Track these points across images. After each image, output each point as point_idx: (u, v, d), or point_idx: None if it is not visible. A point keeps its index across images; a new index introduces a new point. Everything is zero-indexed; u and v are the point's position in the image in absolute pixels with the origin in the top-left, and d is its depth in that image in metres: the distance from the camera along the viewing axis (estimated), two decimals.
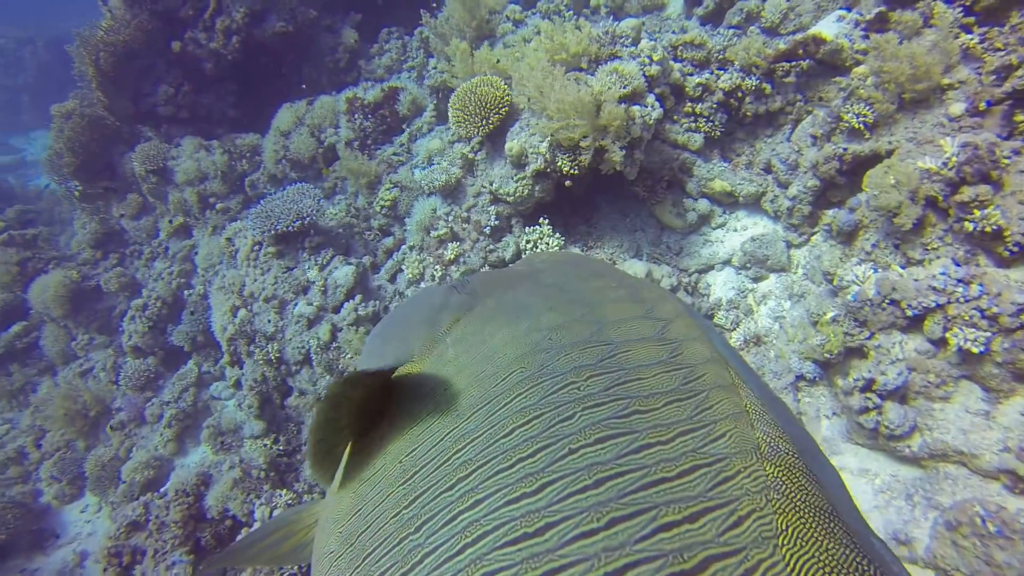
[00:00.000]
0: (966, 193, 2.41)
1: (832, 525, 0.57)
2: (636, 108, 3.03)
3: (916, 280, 2.38)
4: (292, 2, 5.69)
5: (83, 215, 6.24)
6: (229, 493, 3.70)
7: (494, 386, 0.74)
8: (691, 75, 3.40)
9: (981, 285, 2.28)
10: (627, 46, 3.33)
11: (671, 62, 3.40)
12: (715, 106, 3.34)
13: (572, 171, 3.05)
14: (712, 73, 3.35)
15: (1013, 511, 2.06)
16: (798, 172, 3.11)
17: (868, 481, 2.45)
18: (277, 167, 5.49)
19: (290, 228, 3.91)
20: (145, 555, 3.75)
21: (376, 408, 0.83)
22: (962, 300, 2.27)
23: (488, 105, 3.36)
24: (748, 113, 3.36)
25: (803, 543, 0.56)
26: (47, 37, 14.83)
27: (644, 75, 3.14)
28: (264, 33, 5.66)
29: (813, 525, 0.57)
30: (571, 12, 4.49)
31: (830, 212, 2.98)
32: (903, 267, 2.54)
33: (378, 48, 6.07)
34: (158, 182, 5.79)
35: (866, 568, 0.55)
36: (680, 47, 3.52)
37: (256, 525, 3.65)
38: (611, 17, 4.43)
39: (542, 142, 3.11)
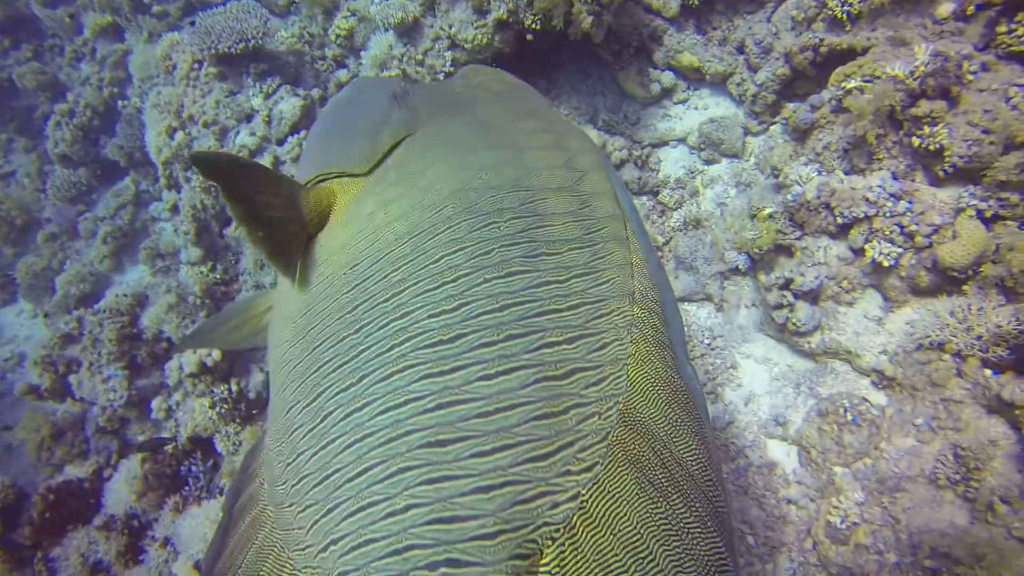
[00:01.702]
0: (922, 107, 2.39)
1: (666, 354, 0.77)
2: None
3: (853, 189, 2.43)
4: None
5: None
6: (164, 316, 3.74)
7: (429, 216, 0.83)
8: None
9: (910, 202, 2.34)
10: None
11: None
12: None
13: (534, 26, 2.85)
14: None
15: (872, 404, 2.31)
16: (770, 57, 3.00)
17: (767, 369, 2.67)
18: None
19: (232, 49, 3.59)
20: (81, 366, 3.84)
21: (324, 212, 0.94)
22: (888, 215, 2.34)
23: None
24: None
25: (643, 364, 0.74)
26: None
27: None
28: None
29: (654, 353, 0.76)
30: None
31: (791, 105, 2.92)
32: (847, 173, 2.57)
33: None
34: None
35: (678, 383, 0.76)
36: None
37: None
38: None
39: (505, 4, 2.86)
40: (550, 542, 0.66)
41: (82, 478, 3.46)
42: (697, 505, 0.69)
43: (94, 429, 3.77)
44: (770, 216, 2.59)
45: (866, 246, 2.40)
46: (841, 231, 2.51)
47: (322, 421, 0.76)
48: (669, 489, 0.68)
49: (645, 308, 0.78)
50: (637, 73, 3.28)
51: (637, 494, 0.67)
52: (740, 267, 2.76)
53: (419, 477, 0.68)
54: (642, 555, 0.64)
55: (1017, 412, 1.93)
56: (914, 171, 2.49)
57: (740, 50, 3.15)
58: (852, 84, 2.56)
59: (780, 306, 2.55)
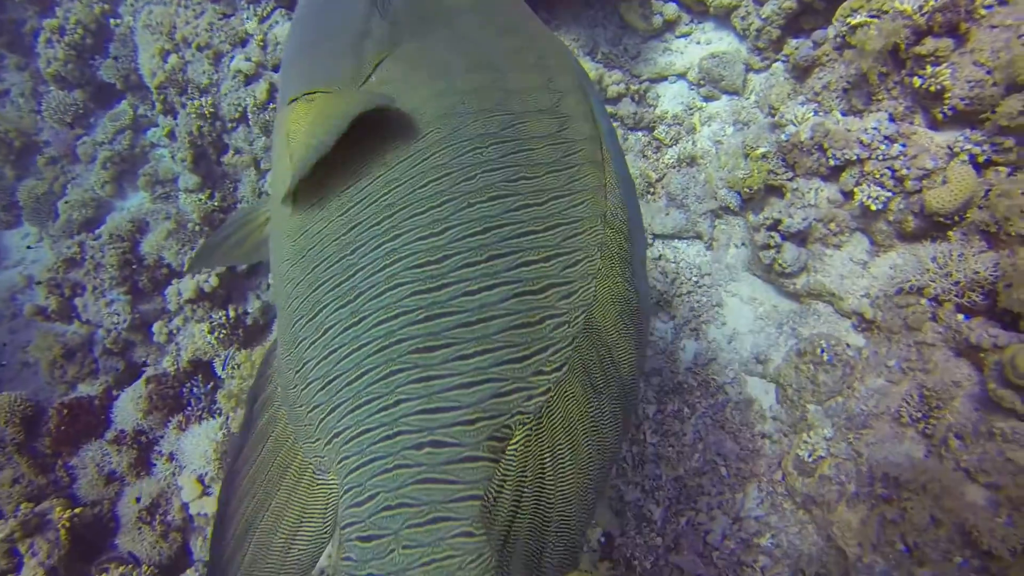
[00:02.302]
0: (927, 45, 2.32)
1: (627, 270, 0.85)
2: None
3: (848, 130, 2.39)
4: None
5: None
6: (163, 243, 3.80)
7: (416, 141, 0.88)
8: None
9: (903, 145, 2.31)
10: None
11: None
12: None
13: None
14: None
15: (850, 346, 2.37)
16: None
17: (752, 308, 2.71)
18: None
19: None
20: (85, 290, 3.94)
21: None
22: (881, 158, 2.31)
23: None
24: None
25: (607, 279, 0.83)
26: None
27: None
28: None
29: (618, 269, 0.84)
30: None
31: (794, 41, 2.83)
32: (844, 114, 2.53)
33: None
34: None
35: (632, 296, 0.86)
36: None
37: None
38: None
39: None
40: (521, 427, 0.79)
41: (92, 395, 3.62)
42: (615, 407, 0.83)
43: (101, 350, 3.90)
44: (763, 156, 2.57)
45: (855, 189, 2.39)
46: (833, 173, 2.50)
47: (323, 334, 0.86)
48: (601, 391, 0.82)
49: (614, 228, 0.85)
50: (639, 4, 3.17)
51: (581, 394, 0.81)
52: (731, 206, 2.76)
53: (409, 378, 0.79)
54: (575, 445, 0.80)
55: (982, 355, 1.99)
56: (913, 113, 2.45)
57: None
58: (858, 20, 2.48)
59: (767, 246, 2.57)
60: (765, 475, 2.41)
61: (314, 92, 1.01)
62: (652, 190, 2.96)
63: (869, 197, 2.33)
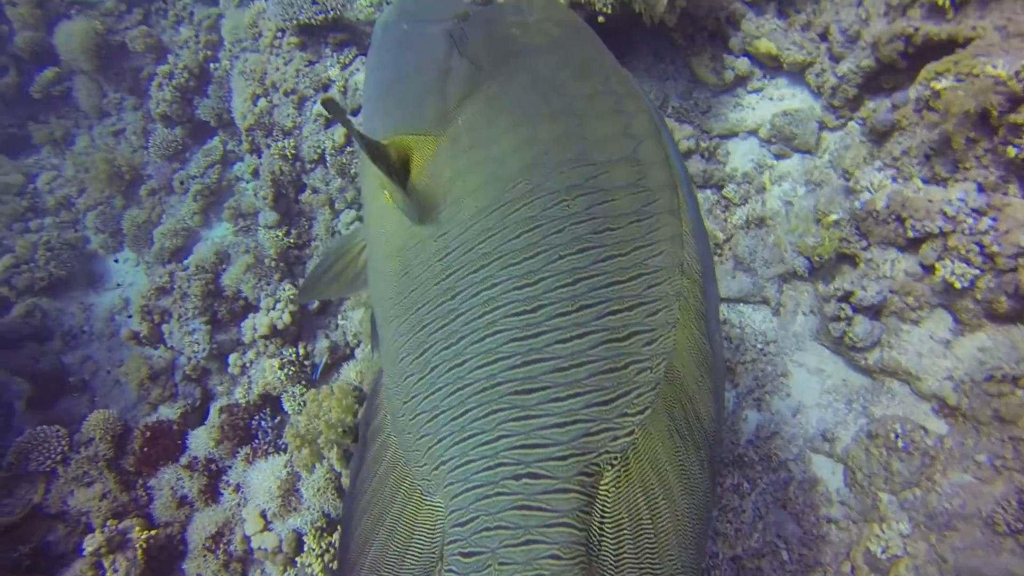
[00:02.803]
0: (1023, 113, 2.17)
1: (702, 323, 0.92)
2: None
3: (930, 200, 2.26)
4: None
5: None
6: (242, 276, 4.03)
7: (506, 191, 0.94)
8: None
9: (994, 219, 2.16)
10: None
11: None
12: None
13: (606, 9, 2.76)
14: None
15: (929, 432, 2.20)
16: (856, 46, 2.78)
17: (820, 381, 2.58)
18: None
19: (312, 20, 3.70)
20: (172, 317, 4.22)
21: (404, 167, 1.06)
22: (967, 232, 2.17)
23: None
24: None
25: (685, 330, 0.90)
26: None
27: None
28: None
29: (693, 322, 0.91)
30: None
31: (872, 103, 2.71)
32: (926, 182, 2.39)
33: None
34: None
35: (707, 350, 0.92)
36: None
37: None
38: None
39: None
40: (609, 467, 0.88)
41: (171, 420, 3.85)
42: (702, 455, 0.90)
43: (182, 376, 4.16)
44: (835, 223, 2.46)
45: (937, 264, 2.25)
46: (912, 244, 2.36)
47: (430, 372, 0.96)
48: (687, 438, 0.90)
49: (690, 279, 0.91)
50: (711, 59, 3.13)
51: (668, 439, 0.89)
52: (800, 271, 2.65)
53: (508, 416, 0.89)
54: (667, 486, 0.88)
55: None
56: (1006, 184, 2.28)
57: (823, 37, 2.93)
58: (943, 84, 2.35)
59: (838, 318, 2.45)
60: (831, 565, 2.27)
61: (404, 134, 1.08)
62: (719, 251, 2.89)
63: (953, 274, 2.19)
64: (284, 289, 3.76)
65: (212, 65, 5.33)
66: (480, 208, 0.95)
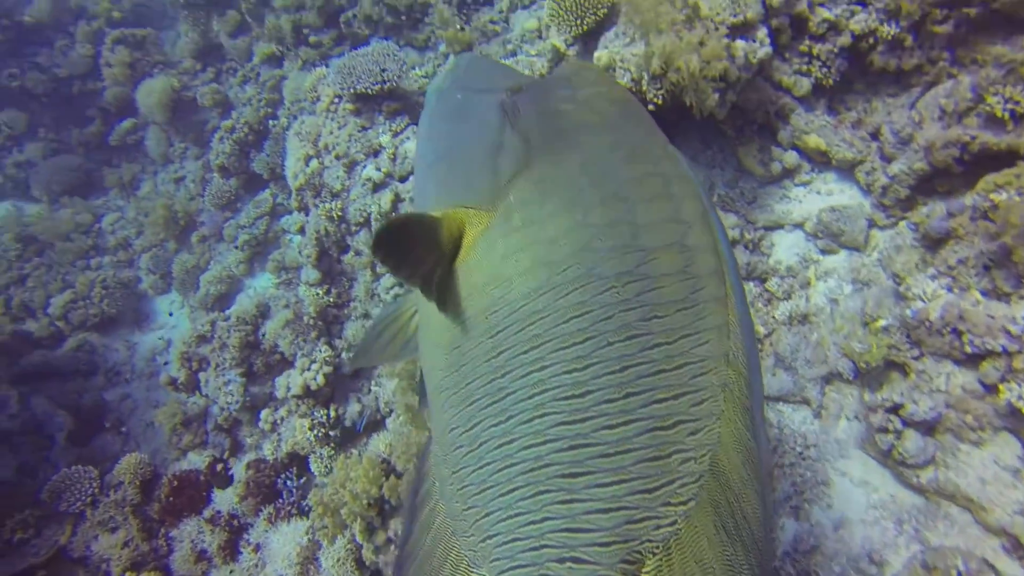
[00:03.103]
0: None
1: (746, 417, 0.91)
2: (742, 43, 2.68)
3: (992, 316, 2.18)
4: None
5: (185, 23, 6.31)
6: (280, 331, 4.10)
7: (556, 275, 0.96)
8: (821, 6, 2.92)
9: None
10: None
11: None
12: (837, 51, 2.90)
13: (656, 100, 2.81)
14: (847, 7, 2.86)
15: (998, 573, 2.04)
16: (908, 148, 2.75)
17: (865, 494, 2.45)
18: (374, 9, 5.27)
19: (369, 90, 3.87)
20: (209, 365, 4.31)
21: (457, 240, 1.07)
22: None
23: (586, 4, 3.04)
24: (875, 63, 2.91)
25: (730, 423, 0.89)
26: None
27: (763, 2, 2.73)
28: None
29: (738, 415, 0.90)
30: None
31: (925, 208, 2.66)
32: (984, 295, 2.31)
33: None
34: (257, 3, 5.72)
35: (752, 446, 0.90)
36: None
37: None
38: None
39: (633, 58, 2.84)
40: (651, 555, 0.88)
41: (199, 469, 3.88)
42: (752, 559, 0.88)
43: (213, 424, 4.21)
44: (884, 329, 2.39)
45: (1001, 385, 2.14)
46: (970, 360, 2.26)
47: (479, 447, 0.98)
48: (735, 537, 0.88)
49: (735, 370, 0.92)
50: (758, 150, 3.14)
51: (714, 534, 0.88)
52: (845, 374, 2.56)
53: (554, 499, 0.90)
54: None
55: None
56: None
57: (875, 136, 2.92)
58: (1003, 197, 2.29)
59: (885, 430, 2.34)
60: None
61: (456, 206, 1.09)
62: (760, 346, 2.83)
63: (1021, 398, 2.07)
64: (320, 350, 3.80)
65: (271, 122, 5.60)
66: (531, 289, 0.97)
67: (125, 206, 6.72)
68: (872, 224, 2.89)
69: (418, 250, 1.01)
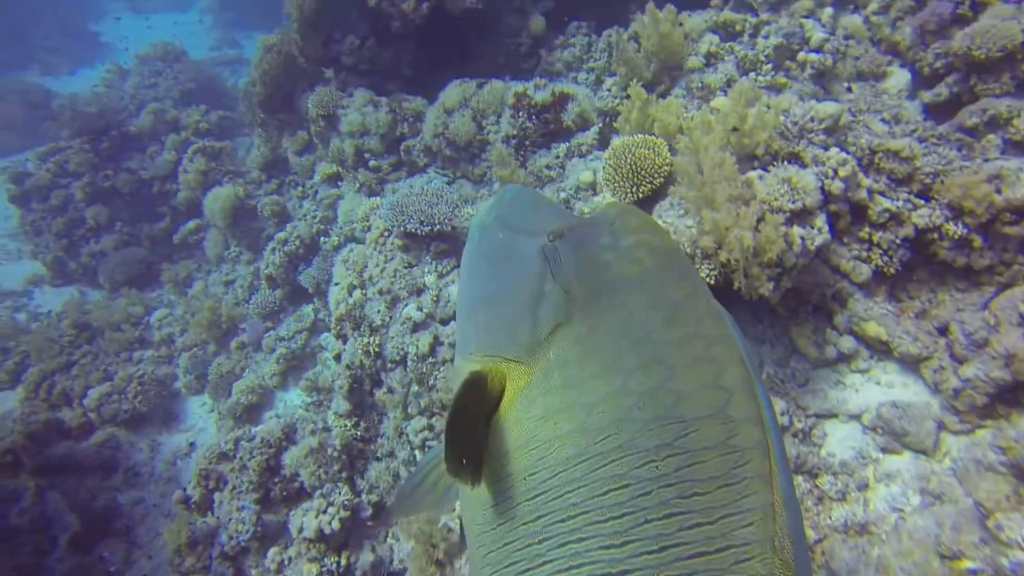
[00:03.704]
0: None
1: None
2: (799, 230, 2.63)
3: None
4: None
5: (259, 138, 6.76)
6: (303, 460, 3.98)
7: (595, 443, 0.94)
8: (881, 194, 2.87)
9: None
10: (816, 144, 2.86)
11: (861, 174, 2.88)
12: (899, 241, 2.81)
13: (709, 280, 2.74)
14: (909, 201, 2.80)
15: None
16: (983, 352, 2.57)
17: None
18: (434, 141, 5.53)
19: (419, 231, 3.94)
20: (226, 486, 4.18)
21: (499, 394, 1.07)
22: None
23: (643, 172, 3.07)
24: (940, 255, 2.80)
25: None
26: None
27: (822, 189, 2.69)
28: (455, 6, 5.61)
29: None
30: (771, 66, 3.95)
31: (1013, 433, 2.42)
32: None
33: (563, 40, 5.81)
34: (325, 126, 6.09)
35: None
36: (880, 154, 2.97)
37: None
38: (813, 82, 3.86)
39: (686, 230, 2.81)
40: None
41: None
42: None
43: (219, 552, 4.01)
44: (970, 572, 2.10)
45: None
46: None
47: None
48: None
49: (782, 559, 0.85)
50: (812, 331, 3.00)
51: None
52: None
53: None
54: None
55: None
56: None
57: (942, 331, 2.75)
58: None
59: None
60: None
61: (496, 355, 1.10)
62: (810, 554, 2.55)
63: None
64: (340, 491, 3.65)
65: (323, 239, 5.78)
66: (569, 456, 0.95)
67: (176, 302, 6.93)
68: (942, 427, 2.66)
69: (474, 421, 1.03)
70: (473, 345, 1.16)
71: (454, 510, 3.22)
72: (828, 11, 4.11)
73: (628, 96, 3.63)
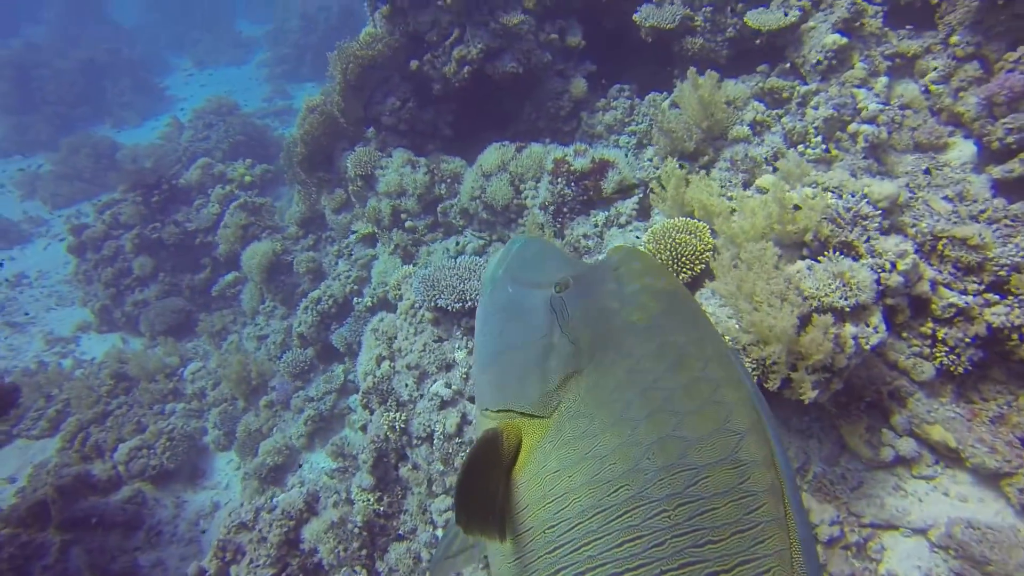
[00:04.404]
0: None
1: None
2: (852, 328, 2.42)
3: None
4: (530, 44, 5.59)
5: (298, 195, 6.87)
6: (323, 535, 3.84)
7: (608, 495, 0.95)
8: (947, 286, 2.65)
9: None
10: (872, 233, 2.67)
11: (923, 264, 2.67)
12: (969, 340, 2.57)
13: (753, 375, 2.54)
14: (979, 295, 2.57)
15: None
16: None
17: None
18: (471, 203, 5.50)
19: (450, 307, 3.85)
20: (243, 558, 4.05)
21: (515, 449, 1.09)
22: None
23: (683, 257, 2.92)
24: (1020, 355, 2.55)
25: None
26: (341, 5, 16.63)
27: (878, 284, 2.49)
28: (495, 70, 5.66)
29: None
30: (820, 139, 3.79)
31: None
32: None
33: (605, 103, 5.78)
34: (363, 186, 6.15)
35: None
36: (945, 241, 2.76)
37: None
38: (866, 155, 3.68)
39: (727, 320, 2.63)
40: None
41: None
42: None
43: None
44: None
45: None
46: None
47: None
48: None
49: None
50: (867, 429, 2.75)
51: None
52: None
53: None
54: None
55: None
56: None
57: None
58: None
59: None
60: None
61: (510, 410, 1.12)
62: None
63: None
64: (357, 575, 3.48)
65: (356, 300, 5.75)
66: (584, 509, 0.96)
67: (211, 353, 6.99)
68: None
69: (485, 477, 1.05)
70: (489, 401, 1.18)
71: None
72: (882, 80, 3.95)
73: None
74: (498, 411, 1.15)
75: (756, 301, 2.42)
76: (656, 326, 1.07)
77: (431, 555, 3.67)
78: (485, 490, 1.05)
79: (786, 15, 4.32)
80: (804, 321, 2.39)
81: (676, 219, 3.08)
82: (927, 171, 3.36)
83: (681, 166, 3.56)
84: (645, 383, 1.01)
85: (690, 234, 2.95)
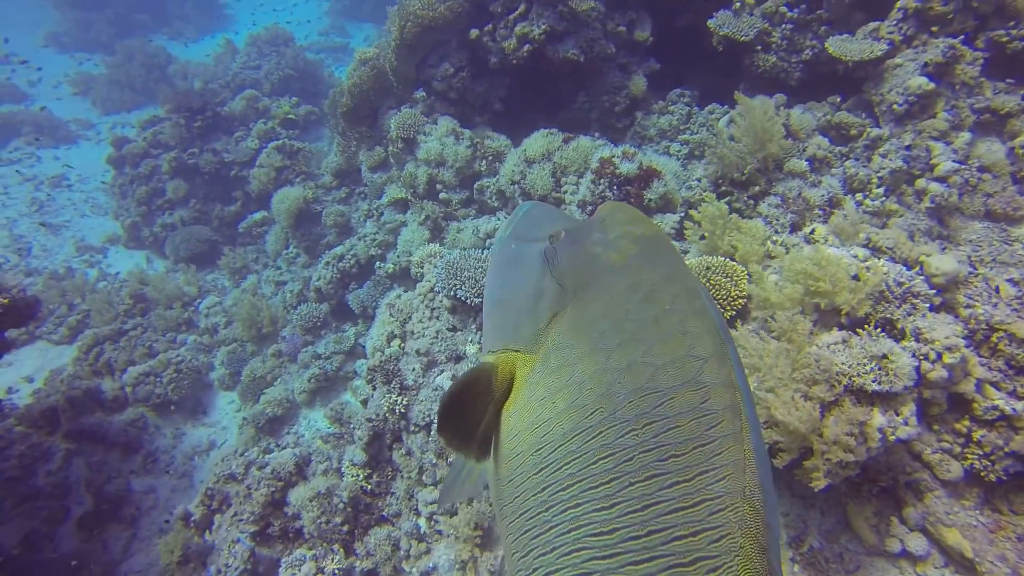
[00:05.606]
0: None
1: (764, 558, 0.92)
2: (879, 419, 2.27)
3: None
4: (596, 33, 5.33)
5: (336, 145, 6.76)
6: (308, 503, 3.85)
7: (585, 418, 1.04)
8: (994, 385, 2.47)
9: None
10: (920, 316, 2.48)
11: (972, 357, 2.48)
12: (1008, 451, 2.40)
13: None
14: None
15: None
16: None
17: None
18: (509, 187, 5.35)
19: (469, 301, 3.75)
20: (228, 508, 4.11)
21: (510, 381, 1.19)
22: None
23: (716, 299, 2.77)
24: None
25: (747, 559, 0.91)
26: None
27: (918, 373, 2.32)
28: (555, 54, 5.42)
29: (755, 555, 0.91)
30: (882, 190, 3.55)
31: None
32: None
33: (662, 107, 5.52)
34: (403, 149, 6.01)
35: None
36: (1001, 335, 2.56)
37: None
38: (929, 216, 3.44)
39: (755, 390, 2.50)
40: None
41: None
42: None
43: None
44: None
45: None
46: None
47: (532, 572, 1.05)
48: None
49: (752, 507, 0.92)
50: (874, 515, 2.62)
51: None
52: None
53: None
54: None
55: None
56: None
57: None
58: None
59: None
60: None
61: (508, 349, 1.21)
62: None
63: None
64: (333, 558, 3.49)
65: (378, 264, 5.68)
66: (566, 431, 1.05)
67: (228, 289, 7.03)
68: None
69: (476, 407, 1.16)
70: (490, 343, 1.29)
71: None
72: (965, 136, 3.66)
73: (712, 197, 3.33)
74: (497, 352, 1.25)
75: (778, 380, 2.28)
76: (632, 265, 1.16)
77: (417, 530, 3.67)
78: (472, 412, 1.16)
79: (873, 46, 4.01)
80: (831, 406, 2.24)
81: (715, 257, 2.91)
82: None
83: (728, 202, 3.36)
84: (619, 315, 1.10)
85: (726, 277, 2.78)
